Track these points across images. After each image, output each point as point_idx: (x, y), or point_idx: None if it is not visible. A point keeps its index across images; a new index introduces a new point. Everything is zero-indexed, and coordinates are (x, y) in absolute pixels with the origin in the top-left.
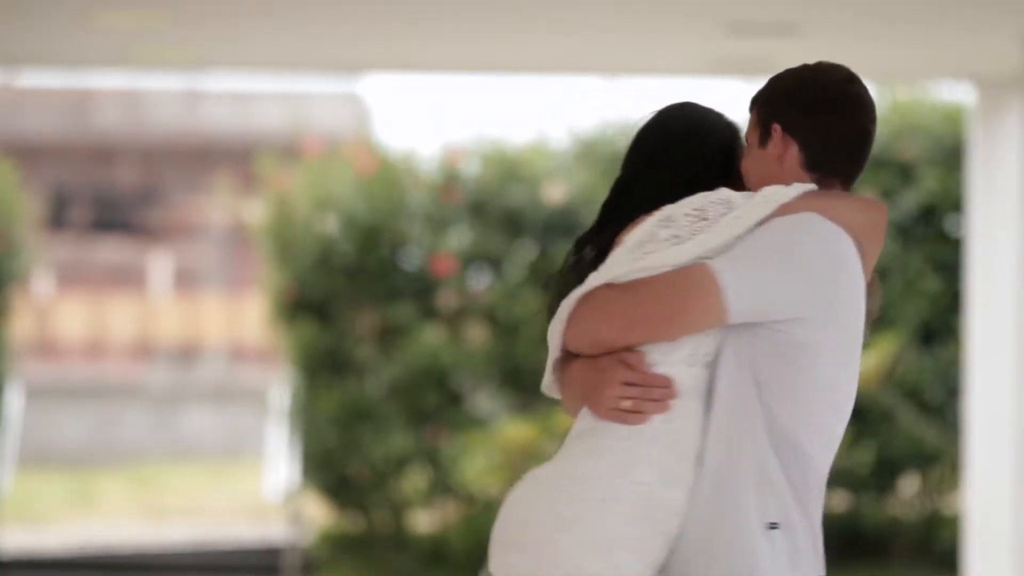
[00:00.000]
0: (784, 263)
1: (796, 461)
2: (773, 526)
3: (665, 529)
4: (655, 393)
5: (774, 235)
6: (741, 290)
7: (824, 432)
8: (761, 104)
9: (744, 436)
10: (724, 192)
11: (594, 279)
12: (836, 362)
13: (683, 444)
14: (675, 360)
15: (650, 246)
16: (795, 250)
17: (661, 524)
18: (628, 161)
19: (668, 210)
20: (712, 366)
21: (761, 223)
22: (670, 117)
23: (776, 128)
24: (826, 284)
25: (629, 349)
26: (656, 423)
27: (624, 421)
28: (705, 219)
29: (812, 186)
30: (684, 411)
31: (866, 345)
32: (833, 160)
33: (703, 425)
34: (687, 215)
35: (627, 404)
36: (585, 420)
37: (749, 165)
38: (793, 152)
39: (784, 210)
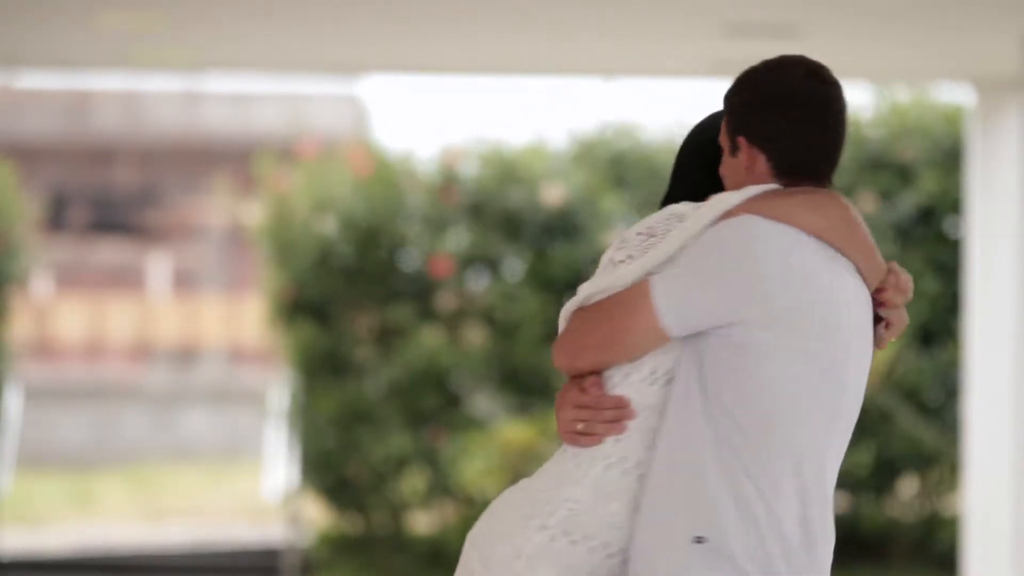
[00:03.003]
0: (711, 268)
1: (753, 468)
2: (699, 540)
3: (604, 542)
4: (606, 415)
5: (703, 242)
6: (669, 303)
7: (785, 435)
8: (727, 113)
9: (677, 449)
10: (675, 207)
11: (567, 306)
12: (787, 361)
13: (630, 460)
14: (635, 380)
15: (608, 269)
16: (723, 253)
17: (596, 538)
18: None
19: (624, 232)
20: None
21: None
22: (699, 128)
23: (742, 141)
24: (760, 283)
25: (597, 372)
26: (608, 442)
27: (577, 443)
28: (654, 235)
29: (764, 187)
30: (639, 428)
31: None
32: (803, 163)
33: (652, 441)
34: (638, 234)
35: (580, 427)
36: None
37: (725, 171)
38: (761, 161)
39: (727, 215)
